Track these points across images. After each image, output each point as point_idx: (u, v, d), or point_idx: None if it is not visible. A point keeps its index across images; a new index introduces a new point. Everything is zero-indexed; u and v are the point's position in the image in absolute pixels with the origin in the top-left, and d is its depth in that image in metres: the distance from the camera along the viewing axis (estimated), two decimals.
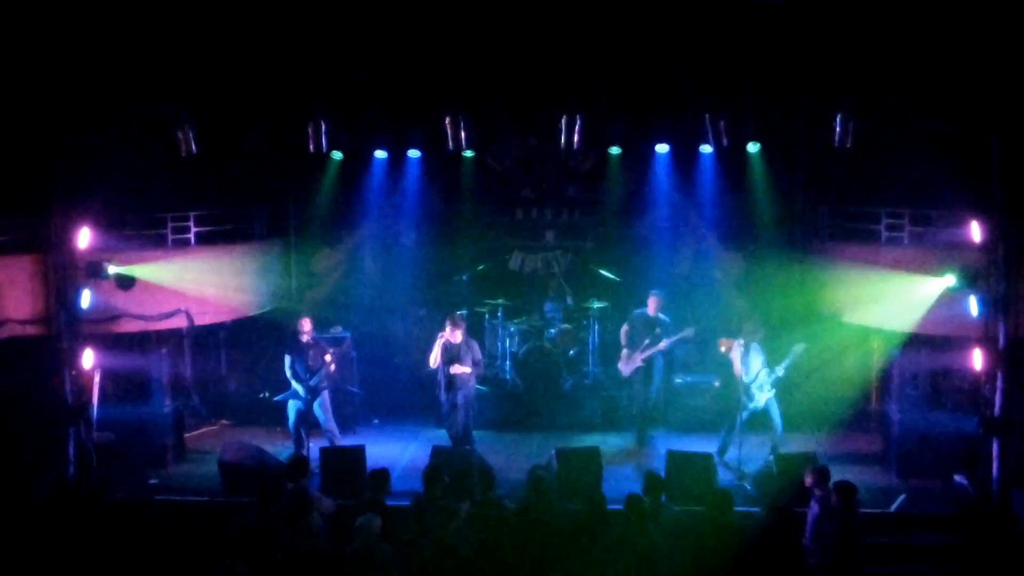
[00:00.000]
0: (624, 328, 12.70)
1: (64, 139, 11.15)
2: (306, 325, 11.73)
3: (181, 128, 11.78)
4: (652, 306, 12.45)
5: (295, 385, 11.59)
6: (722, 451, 11.54)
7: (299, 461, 9.39)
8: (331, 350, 11.83)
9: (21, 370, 11.35)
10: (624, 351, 12.61)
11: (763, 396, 11.27)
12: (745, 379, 11.25)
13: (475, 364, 11.66)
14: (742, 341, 11.34)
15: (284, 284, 15.06)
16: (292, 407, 11.63)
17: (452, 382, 11.54)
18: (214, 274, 13.29)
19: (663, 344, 12.29)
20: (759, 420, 11.41)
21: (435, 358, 11.46)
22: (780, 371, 11.15)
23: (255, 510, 8.65)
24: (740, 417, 11.24)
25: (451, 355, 11.50)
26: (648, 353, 12.34)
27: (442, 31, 11.58)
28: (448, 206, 15.16)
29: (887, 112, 11.42)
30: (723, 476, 11.06)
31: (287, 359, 11.72)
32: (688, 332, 12.29)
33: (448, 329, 11.42)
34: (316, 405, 11.67)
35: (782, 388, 11.53)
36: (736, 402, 11.29)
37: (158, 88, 11.57)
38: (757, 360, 11.29)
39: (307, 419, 11.53)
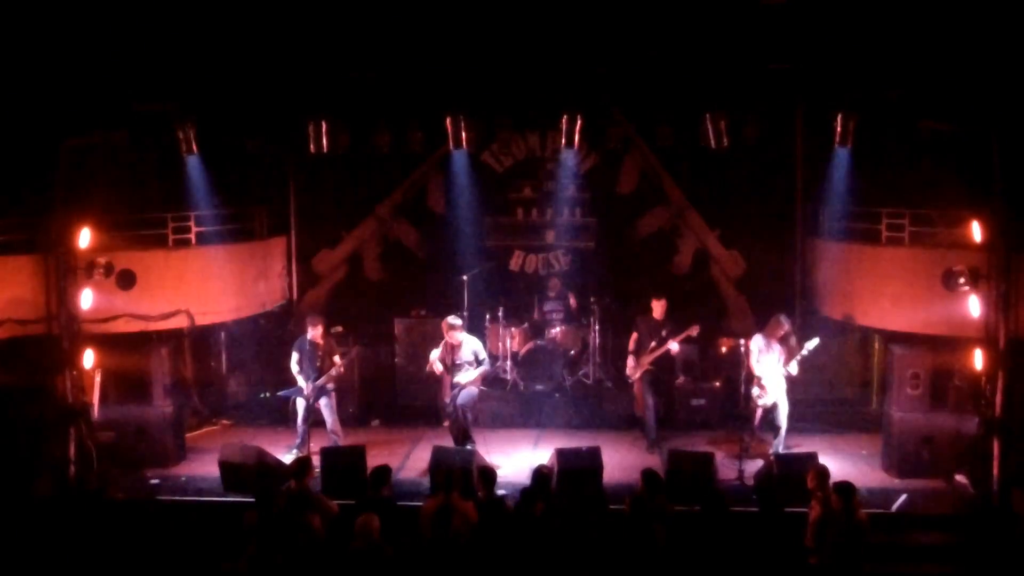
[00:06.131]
0: (633, 336, 12.28)
1: (65, 139, 11.15)
2: (316, 324, 11.72)
3: (181, 128, 11.78)
4: (658, 310, 12.09)
5: (300, 382, 11.60)
6: (745, 450, 11.25)
7: (302, 461, 9.39)
8: (341, 351, 11.81)
9: (21, 370, 11.35)
10: (630, 358, 12.21)
11: (776, 392, 11.30)
12: (759, 373, 11.28)
13: (480, 362, 11.60)
14: (766, 337, 11.37)
15: (284, 284, 15.08)
16: (300, 405, 11.66)
17: (454, 382, 11.53)
18: (214, 274, 13.30)
19: (671, 345, 11.91)
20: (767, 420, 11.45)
21: (439, 366, 11.47)
22: (794, 367, 11.21)
23: (255, 510, 8.63)
24: (757, 414, 11.38)
25: (453, 358, 11.48)
26: (656, 355, 11.97)
27: (442, 31, 11.59)
28: (448, 206, 15.18)
29: (887, 112, 11.44)
30: (723, 476, 11.06)
31: (294, 355, 11.73)
32: (693, 330, 11.91)
33: (445, 332, 11.40)
34: (323, 405, 11.69)
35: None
36: (750, 400, 11.38)
37: (158, 88, 11.59)
38: (773, 357, 11.31)
39: (309, 418, 11.55)
